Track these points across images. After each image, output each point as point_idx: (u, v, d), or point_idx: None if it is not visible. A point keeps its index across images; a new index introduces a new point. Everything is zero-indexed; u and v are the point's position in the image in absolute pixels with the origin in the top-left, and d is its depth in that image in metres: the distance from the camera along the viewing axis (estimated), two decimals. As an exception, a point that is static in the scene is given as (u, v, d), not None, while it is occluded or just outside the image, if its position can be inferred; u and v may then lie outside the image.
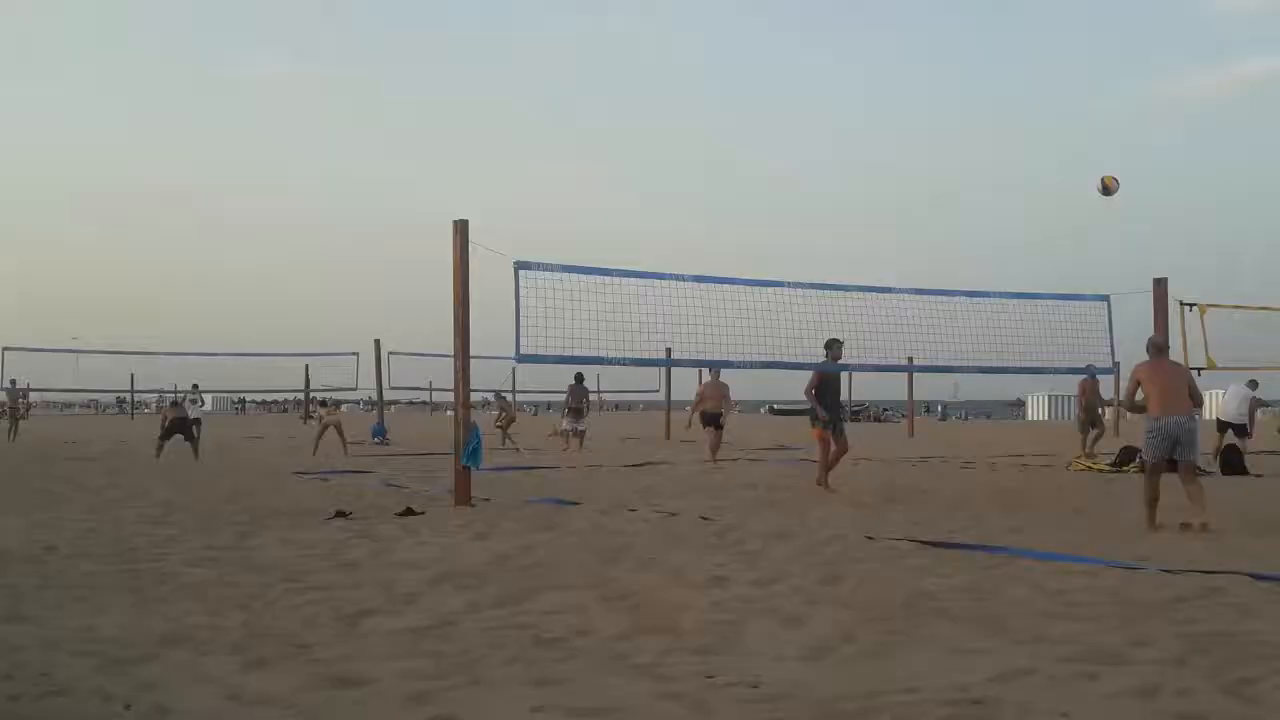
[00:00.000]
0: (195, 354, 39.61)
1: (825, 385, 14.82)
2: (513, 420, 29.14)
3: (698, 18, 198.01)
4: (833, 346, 14.36)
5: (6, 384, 33.49)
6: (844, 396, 58.24)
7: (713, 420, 19.90)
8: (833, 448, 14.51)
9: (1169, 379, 10.53)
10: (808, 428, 15.12)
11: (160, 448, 24.32)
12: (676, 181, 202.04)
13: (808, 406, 15.04)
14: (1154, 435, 10.30)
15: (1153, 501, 10.27)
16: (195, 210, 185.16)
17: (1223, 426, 19.55)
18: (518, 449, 25.46)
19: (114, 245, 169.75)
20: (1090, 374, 19.56)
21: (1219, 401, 20.22)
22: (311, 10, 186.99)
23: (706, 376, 20.72)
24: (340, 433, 25.91)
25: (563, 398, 27.39)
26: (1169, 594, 6.64)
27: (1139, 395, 10.52)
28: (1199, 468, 10.69)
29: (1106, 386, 17.16)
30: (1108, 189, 14.36)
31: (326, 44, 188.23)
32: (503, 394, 32.89)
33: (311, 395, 44.88)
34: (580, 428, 25.72)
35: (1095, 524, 10.55)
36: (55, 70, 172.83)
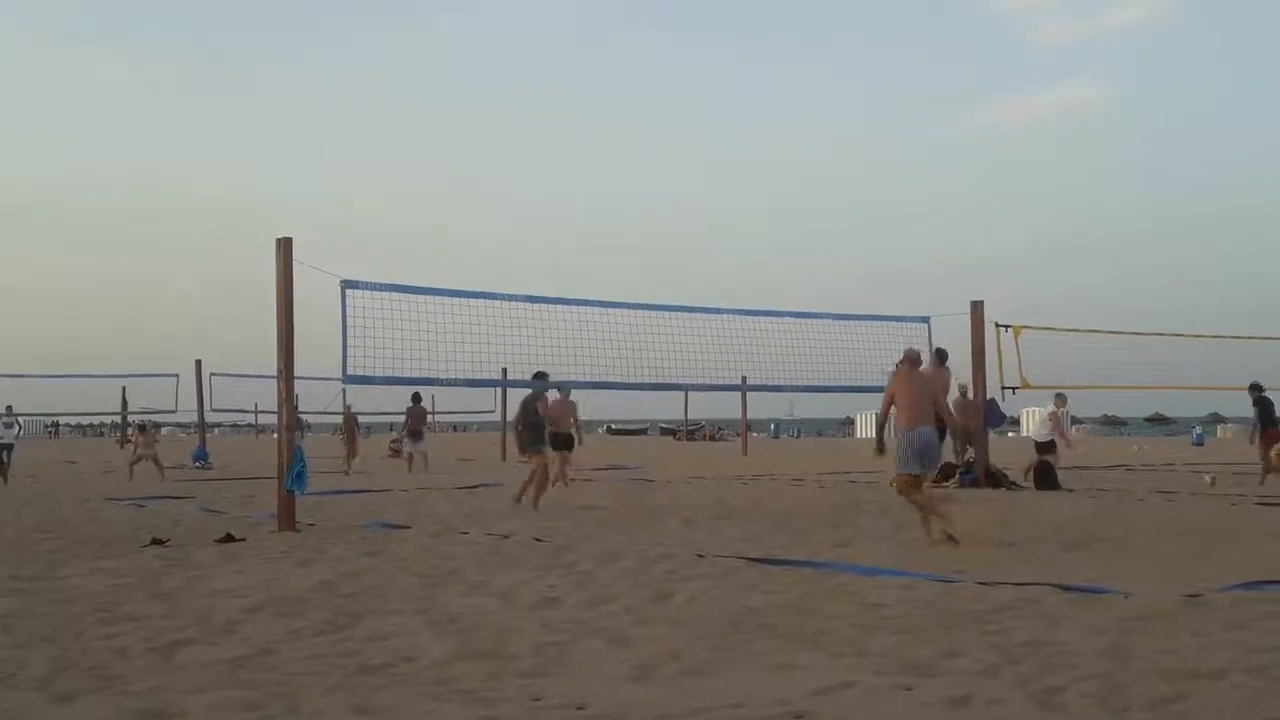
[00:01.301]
0: (2, 375, 37.67)
1: (529, 411, 15.26)
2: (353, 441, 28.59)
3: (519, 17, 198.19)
4: (540, 378, 14.71)
5: None
6: (683, 416, 58.90)
7: (564, 443, 18.85)
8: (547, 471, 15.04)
9: (918, 391, 10.81)
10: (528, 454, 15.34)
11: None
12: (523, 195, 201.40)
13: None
14: (907, 447, 10.50)
15: (926, 510, 10.55)
16: (16, 219, 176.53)
17: (1041, 447, 20.20)
18: (346, 471, 25.05)
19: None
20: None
21: (1035, 420, 20.95)
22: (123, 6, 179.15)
23: (555, 395, 19.89)
24: (156, 462, 25.15)
25: (399, 419, 27.02)
26: (983, 605, 6.87)
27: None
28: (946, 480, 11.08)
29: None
30: None
31: (139, 39, 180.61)
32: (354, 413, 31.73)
33: (129, 418, 43.29)
34: (421, 448, 25.38)
35: (917, 539, 10.85)
36: None
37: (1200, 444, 51.70)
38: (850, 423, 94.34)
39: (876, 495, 16.51)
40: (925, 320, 18.22)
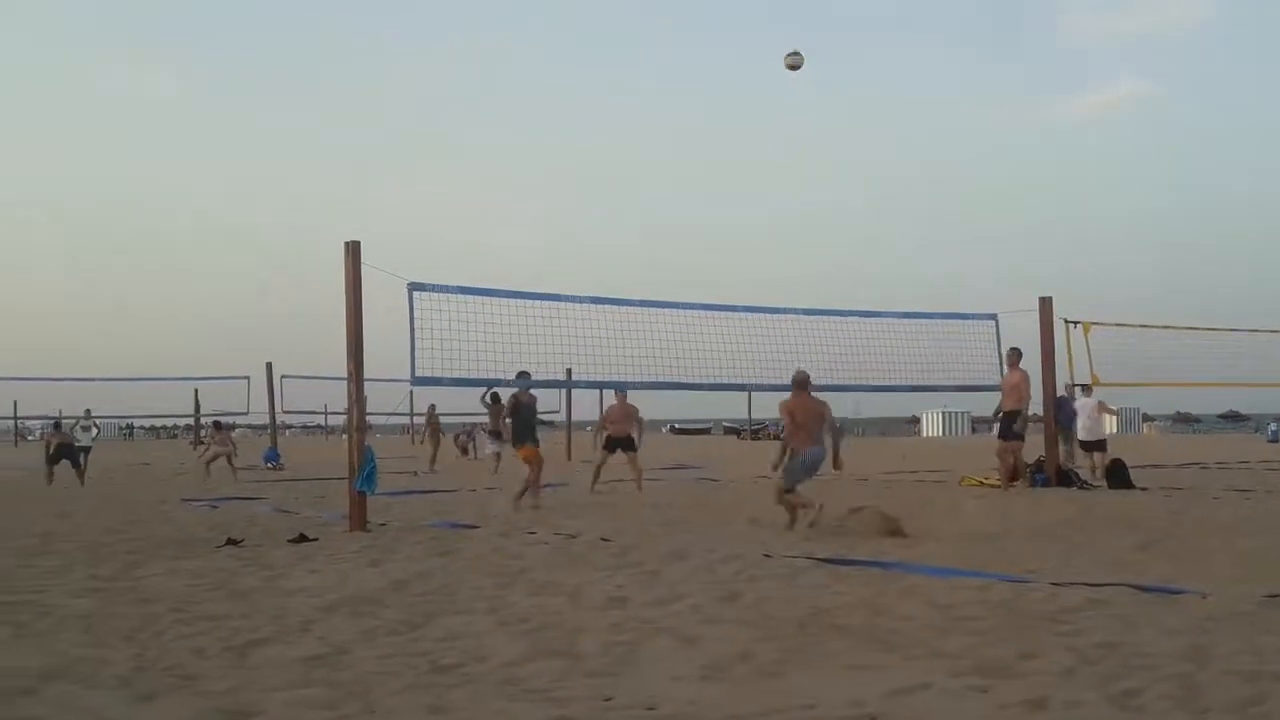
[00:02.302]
0: (80, 379, 38.45)
1: (521, 409, 15.50)
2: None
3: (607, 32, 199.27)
4: (522, 376, 14.84)
5: None
6: (746, 416, 58.81)
7: (620, 444, 18.82)
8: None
9: (810, 413, 11.69)
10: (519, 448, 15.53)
11: (50, 474, 23.71)
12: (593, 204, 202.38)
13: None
14: (799, 465, 11.56)
15: (794, 511, 11.62)
16: (81, 231, 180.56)
17: (1088, 445, 20.02)
18: (430, 470, 25.33)
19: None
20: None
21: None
22: (195, 30, 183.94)
23: (612, 399, 19.52)
24: (230, 461, 25.50)
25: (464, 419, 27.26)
26: (1058, 606, 6.78)
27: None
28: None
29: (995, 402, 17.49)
30: (794, 64, 14.89)
31: (209, 64, 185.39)
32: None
33: (204, 419, 43.90)
34: (499, 449, 24.79)
35: (986, 538, 10.75)
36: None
37: (1276, 440, 50.67)
38: (915, 422, 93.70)
39: (944, 495, 16.37)
40: (993, 317, 18.01)
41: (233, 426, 31.80)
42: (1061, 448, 18.61)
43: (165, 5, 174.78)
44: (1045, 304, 18.26)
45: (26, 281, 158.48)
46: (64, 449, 24.84)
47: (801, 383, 11.92)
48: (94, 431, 27.86)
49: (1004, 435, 17.12)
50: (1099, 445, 19.91)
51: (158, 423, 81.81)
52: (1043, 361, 18.30)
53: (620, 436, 18.52)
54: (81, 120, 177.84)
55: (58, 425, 27.34)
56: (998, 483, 17.74)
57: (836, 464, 11.96)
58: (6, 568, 9.43)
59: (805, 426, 11.59)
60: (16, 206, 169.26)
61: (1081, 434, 19.88)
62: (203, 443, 34.28)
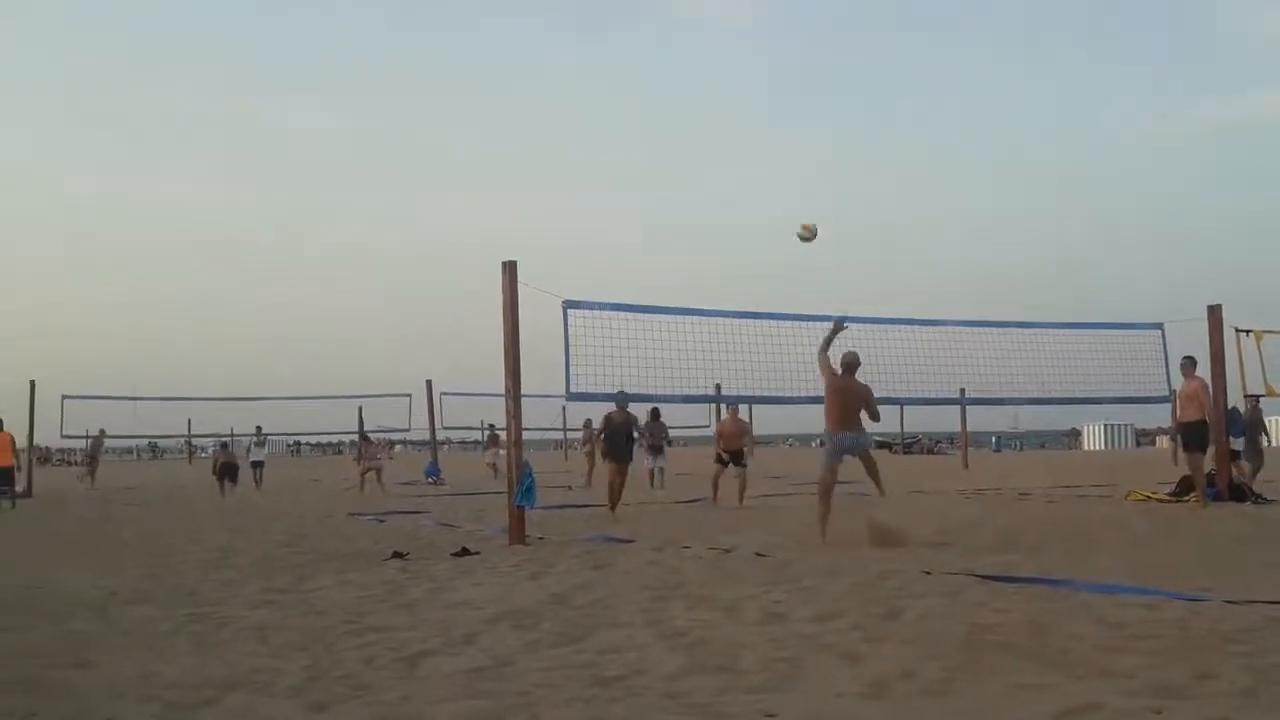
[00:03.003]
0: (250, 398, 39.99)
1: (613, 427, 16.83)
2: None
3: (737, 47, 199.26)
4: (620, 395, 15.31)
5: (95, 432, 34.32)
6: (895, 429, 58.11)
7: (733, 457, 19.34)
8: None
9: (849, 396, 11.20)
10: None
11: (222, 488, 24.85)
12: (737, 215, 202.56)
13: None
14: (827, 449, 11.09)
15: (825, 515, 11.11)
16: (246, 256, 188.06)
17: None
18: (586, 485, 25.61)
19: (167, 290, 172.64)
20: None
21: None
22: (357, 61, 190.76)
23: (724, 414, 20.09)
24: (379, 473, 26.07)
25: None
26: (1233, 626, 6.52)
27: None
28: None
29: (1161, 415, 16.93)
30: (806, 235, 14.30)
31: (369, 90, 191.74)
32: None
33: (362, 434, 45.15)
34: (661, 464, 25.13)
35: (1156, 555, 10.40)
36: (120, 120, 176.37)
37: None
38: (1076, 435, 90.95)
39: (1110, 510, 15.88)
40: (1159, 327, 17.42)
41: (392, 444, 32.68)
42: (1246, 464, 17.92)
43: (312, 39, 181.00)
44: (1214, 312, 17.58)
45: (207, 309, 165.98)
46: (227, 467, 25.98)
47: (850, 365, 11.51)
48: (265, 448, 29.03)
49: (1188, 447, 16.48)
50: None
51: (324, 439, 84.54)
52: (1212, 372, 17.62)
53: (733, 450, 19.26)
54: (242, 152, 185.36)
55: (224, 445, 28.55)
56: (1166, 497, 17.14)
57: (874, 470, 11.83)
58: (188, 581, 9.87)
59: (843, 410, 11.26)
60: (202, 244, 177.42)
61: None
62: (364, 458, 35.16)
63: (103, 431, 34.56)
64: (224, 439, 29.60)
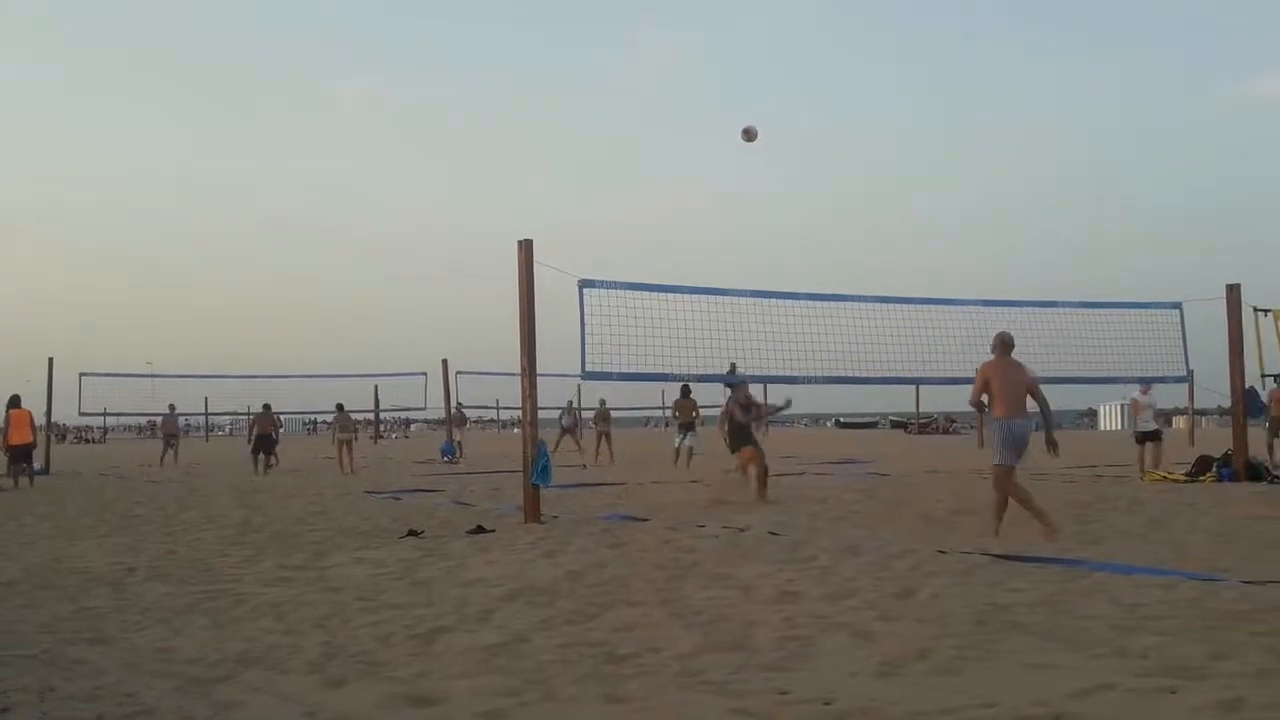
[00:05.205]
0: (266, 375, 40.06)
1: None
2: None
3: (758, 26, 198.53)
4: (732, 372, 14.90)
5: (166, 409, 33.19)
6: (914, 409, 57.91)
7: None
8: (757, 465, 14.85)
9: (1012, 379, 10.33)
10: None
11: (256, 463, 24.87)
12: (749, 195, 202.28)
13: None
14: (1004, 438, 10.19)
15: (1003, 507, 10.32)
16: (264, 236, 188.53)
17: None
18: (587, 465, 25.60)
19: (182, 270, 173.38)
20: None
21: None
22: (378, 38, 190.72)
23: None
24: (348, 447, 25.92)
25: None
26: (1250, 606, 6.50)
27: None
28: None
29: (1178, 395, 16.84)
30: (749, 135, 14.35)
31: (395, 68, 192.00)
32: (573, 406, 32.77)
33: (383, 414, 45.04)
34: (689, 443, 24.27)
35: (1172, 535, 10.37)
36: (135, 90, 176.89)
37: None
38: (1092, 414, 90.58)
39: (1125, 491, 15.82)
40: (1177, 306, 17.33)
41: (408, 424, 32.47)
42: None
43: (361, 14, 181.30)
44: (1233, 291, 17.49)
45: (224, 285, 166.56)
46: (262, 439, 26.01)
47: (1005, 344, 10.52)
48: (281, 428, 28.81)
49: None
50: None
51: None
52: (1230, 351, 17.55)
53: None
54: (276, 125, 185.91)
55: (267, 408, 27.88)
56: (1183, 478, 17.10)
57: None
58: (205, 558, 9.93)
59: (1003, 395, 10.19)
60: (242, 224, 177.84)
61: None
62: (382, 437, 34.97)
63: (172, 408, 33.45)
64: (265, 403, 28.48)
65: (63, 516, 14.51)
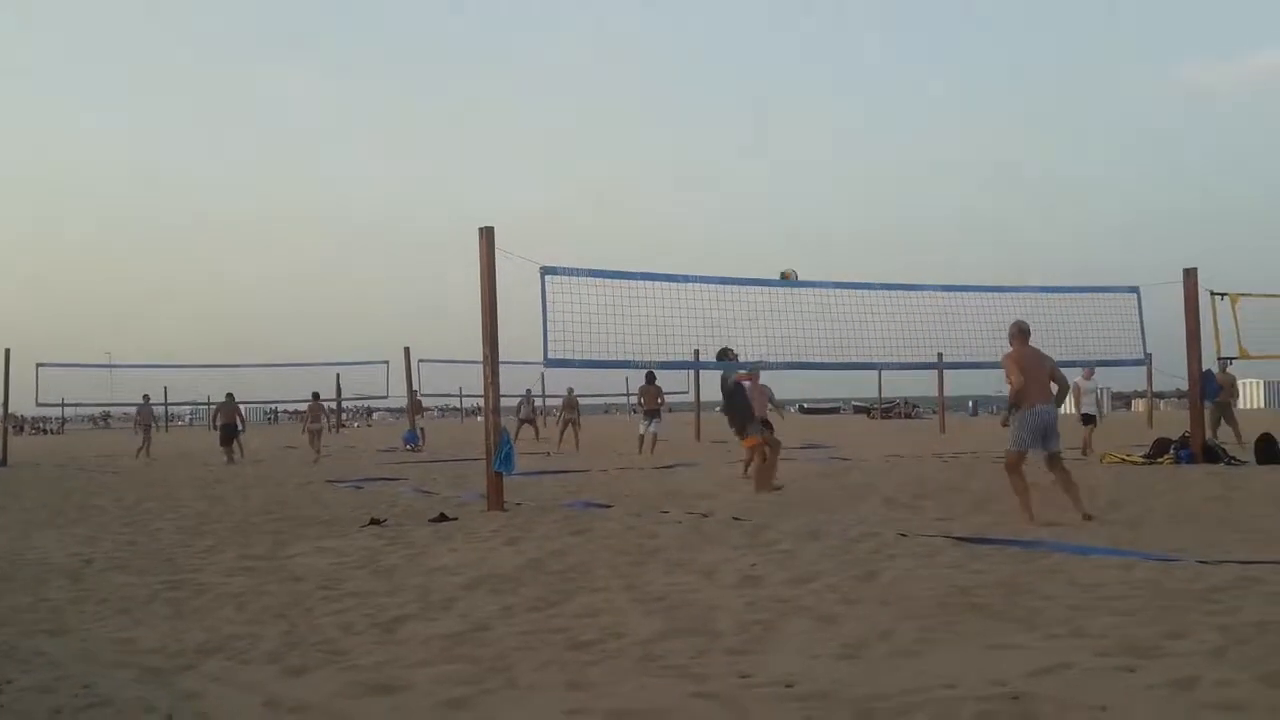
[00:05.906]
0: (227, 365, 39.78)
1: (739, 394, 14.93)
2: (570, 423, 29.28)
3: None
4: (724, 356, 14.48)
5: (140, 399, 32.29)
6: (876, 394, 58.08)
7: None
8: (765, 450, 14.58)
9: (1035, 365, 10.48)
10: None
11: (229, 453, 24.87)
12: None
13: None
14: (1026, 424, 10.30)
15: (1025, 491, 10.39)
16: (221, 224, 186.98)
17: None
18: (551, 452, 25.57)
19: (145, 259, 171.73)
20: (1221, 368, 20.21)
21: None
22: (334, 30, 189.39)
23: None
24: (317, 436, 26.20)
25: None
26: (1205, 585, 6.59)
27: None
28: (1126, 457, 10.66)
29: (1137, 378, 17.07)
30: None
31: (349, 60, 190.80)
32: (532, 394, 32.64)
33: (345, 403, 44.74)
34: (653, 430, 24.39)
35: (1129, 517, 10.50)
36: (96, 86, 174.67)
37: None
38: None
39: (1084, 475, 15.95)
40: (1134, 290, 17.46)
41: (370, 411, 32.33)
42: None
43: (313, 12, 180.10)
44: (1190, 275, 17.67)
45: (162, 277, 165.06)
46: (226, 428, 26.00)
47: (1022, 332, 10.69)
48: (242, 417, 28.70)
49: None
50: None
51: (300, 407, 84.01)
52: (1187, 335, 17.75)
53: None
54: (214, 117, 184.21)
55: (230, 397, 27.66)
56: (1140, 460, 17.28)
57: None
58: (165, 548, 9.84)
59: (1034, 381, 10.30)
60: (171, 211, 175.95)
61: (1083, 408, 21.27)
62: (344, 426, 34.75)
63: (146, 398, 32.79)
64: (228, 392, 28.09)
65: (20, 508, 14.34)
